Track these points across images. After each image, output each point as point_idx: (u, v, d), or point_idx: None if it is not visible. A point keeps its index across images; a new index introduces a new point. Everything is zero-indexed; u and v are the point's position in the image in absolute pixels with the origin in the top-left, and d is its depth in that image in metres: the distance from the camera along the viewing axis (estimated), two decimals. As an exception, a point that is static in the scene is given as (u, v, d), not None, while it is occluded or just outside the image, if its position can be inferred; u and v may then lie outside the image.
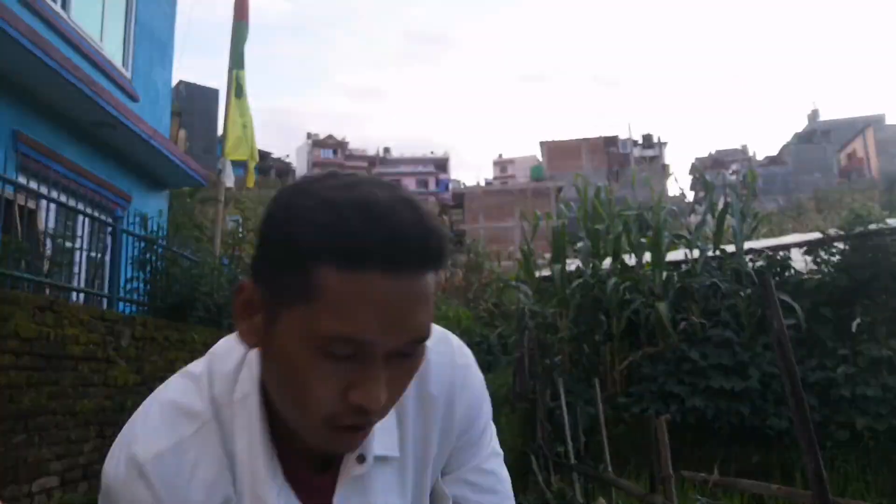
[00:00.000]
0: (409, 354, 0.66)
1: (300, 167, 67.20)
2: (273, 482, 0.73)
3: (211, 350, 0.82)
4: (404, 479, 0.80)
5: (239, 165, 8.81)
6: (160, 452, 0.72)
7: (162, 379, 0.83)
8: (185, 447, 0.73)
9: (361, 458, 0.75)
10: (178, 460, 0.72)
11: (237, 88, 8.33)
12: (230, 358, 0.79)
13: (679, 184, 61.14)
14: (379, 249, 0.60)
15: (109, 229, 6.02)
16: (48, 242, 5.20)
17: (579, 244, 9.08)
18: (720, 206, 8.55)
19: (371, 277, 0.60)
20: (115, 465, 0.75)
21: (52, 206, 5.31)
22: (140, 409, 0.79)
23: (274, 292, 0.65)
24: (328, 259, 0.60)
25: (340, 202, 0.61)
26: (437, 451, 0.83)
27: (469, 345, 0.93)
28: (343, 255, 0.60)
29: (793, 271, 7.30)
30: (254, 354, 0.75)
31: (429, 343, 0.70)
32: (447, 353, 0.84)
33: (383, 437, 0.77)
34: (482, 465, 0.89)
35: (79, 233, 5.68)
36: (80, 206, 5.73)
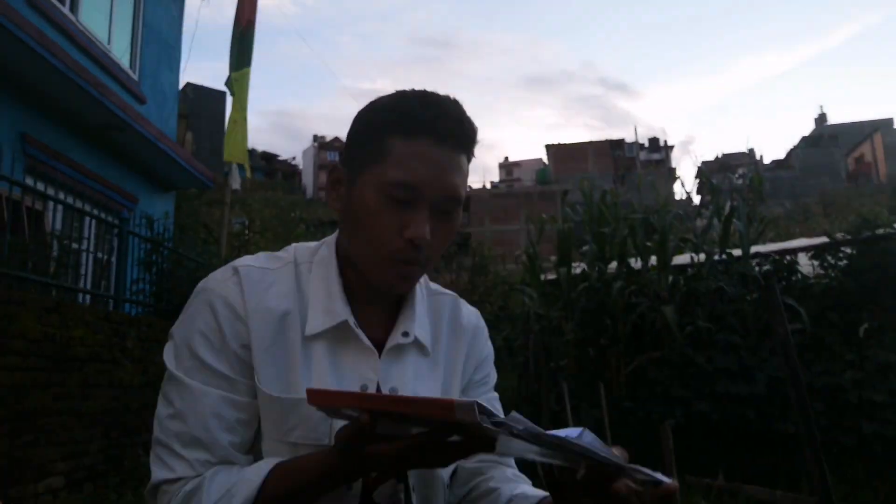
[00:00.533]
0: (447, 213, 0.91)
1: (306, 169, 67.33)
2: (344, 304, 0.94)
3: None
4: (435, 374, 1.00)
5: (244, 168, 8.81)
6: (251, 265, 0.95)
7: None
8: (268, 271, 0.95)
9: (406, 334, 0.97)
10: (262, 275, 0.94)
11: (232, 86, 8.28)
12: (310, 244, 1.03)
13: (685, 187, 61.04)
14: (430, 124, 0.88)
15: (116, 231, 6.04)
16: (55, 244, 5.22)
17: (585, 247, 9.05)
18: (726, 209, 8.50)
19: (423, 143, 0.87)
20: (213, 273, 0.97)
21: (59, 207, 5.34)
22: None
23: (355, 163, 0.92)
24: (394, 130, 0.88)
25: (406, 93, 0.91)
26: (461, 369, 1.04)
27: None
28: (405, 127, 0.88)
29: (800, 276, 7.25)
30: (329, 239, 1.01)
31: (463, 305, 1.10)
32: (475, 312, 1.12)
33: (423, 331, 1.00)
34: (490, 397, 1.09)
35: (85, 234, 5.71)
36: (87, 208, 5.75)
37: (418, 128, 0.87)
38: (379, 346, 0.95)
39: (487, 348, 1.10)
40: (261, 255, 0.99)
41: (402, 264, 0.90)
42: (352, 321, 0.93)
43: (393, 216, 0.88)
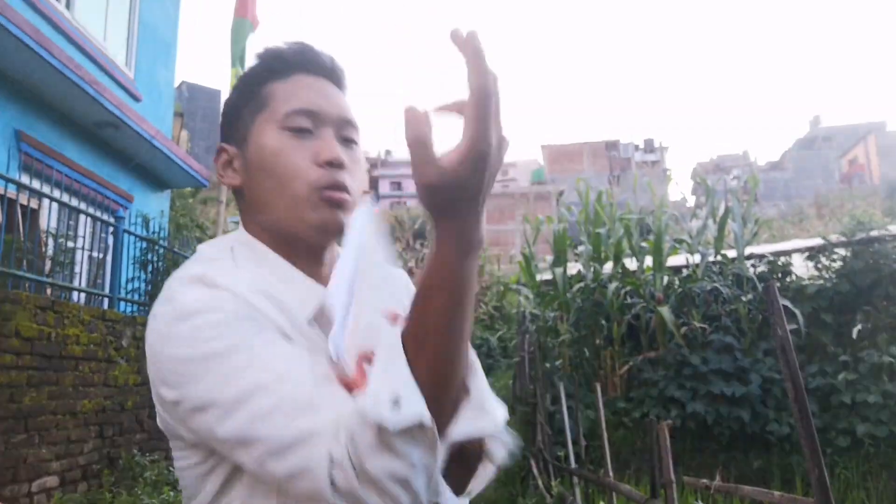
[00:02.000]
0: (349, 140, 0.87)
1: (301, 168, 67.17)
2: (303, 278, 0.84)
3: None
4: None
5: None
6: (203, 269, 0.78)
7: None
8: (220, 261, 0.82)
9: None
10: (221, 265, 0.80)
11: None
12: (216, 245, 0.88)
13: (680, 188, 61.09)
14: (299, 60, 0.88)
15: (111, 229, 6.02)
16: (50, 242, 5.20)
17: (580, 248, 9.07)
18: (721, 211, 8.54)
19: (300, 76, 0.87)
20: (166, 301, 0.77)
21: (54, 205, 5.31)
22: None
23: (241, 127, 0.88)
24: (269, 77, 0.87)
25: (269, 46, 0.90)
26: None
27: None
28: (277, 70, 0.87)
29: (794, 277, 7.29)
30: (235, 238, 0.88)
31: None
32: (401, 270, 1.03)
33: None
34: None
35: (80, 232, 5.69)
36: (82, 206, 5.73)
37: (290, 66, 0.87)
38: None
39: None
40: (187, 267, 0.83)
41: (328, 192, 0.82)
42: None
43: (300, 149, 0.83)
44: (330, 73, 0.90)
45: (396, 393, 0.62)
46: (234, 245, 0.86)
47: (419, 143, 0.61)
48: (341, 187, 0.83)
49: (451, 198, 0.62)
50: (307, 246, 0.85)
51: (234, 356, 0.70)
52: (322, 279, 0.85)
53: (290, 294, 0.80)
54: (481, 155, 0.61)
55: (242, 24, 8.39)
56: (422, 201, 0.63)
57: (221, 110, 0.93)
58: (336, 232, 0.84)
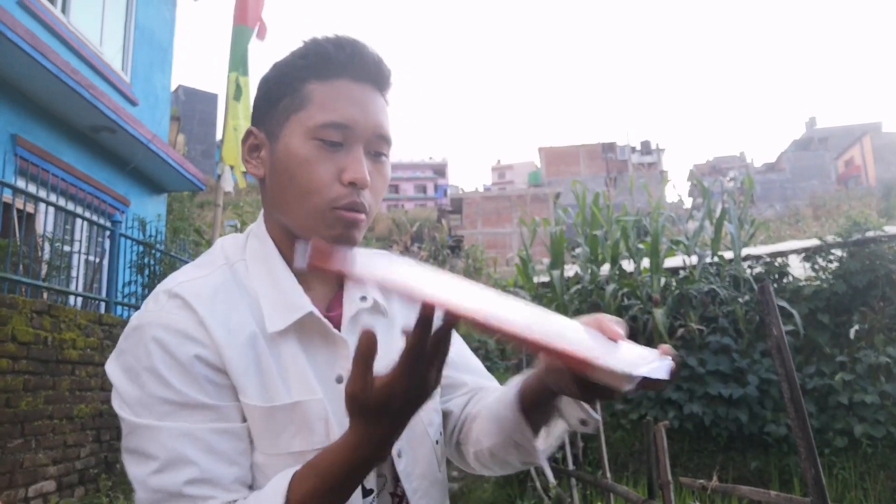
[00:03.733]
0: (379, 154, 0.88)
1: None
2: (301, 294, 0.86)
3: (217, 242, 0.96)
4: (392, 334, 0.94)
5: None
6: (184, 281, 0.84)
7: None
8: (203, 279, 0.85)
9: (364, 298, 0.92)
10: (201, 286, 0.84)
11: (236, 91, 8.28)
12: (235, 238, 0.93)
13: (677, 190, 61.24)
14: (346, 64, 0.85)
15: (108, 233, 6.02)
16: (46, 246, 5.20)
17: (577, 250, 9.07)
18: (718, 212, 8.56)
19: (343, 83, 0.85)
20: (144, 306, 0.84)
21: (51, 209, 5.31)
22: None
23: (274, 119, 0.87)
24: (311, 75, 0.85)
25: (318, 39, 0.87)
26: None
27: None
28: (321, 70, 0.85)
29: (791, 278, 7.30)
30: (254, 229, 0.92)
31: None
32: None
33: (378, 295, 0.95)
34: (459, 347, 1.06)
35: (77, 237, 5.68)
36: (79, 210, 5.72)
37: (335, 69, 0.85)
38: (333, 311, 0.91)
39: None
40: (185, 267, 0.90)
41: (344, 212, 0.83)
42: (315, 311, 0.85)
43: (327, 162, 0.83)
44: (375, 78, 0.88)
45: None
46: (250, 237, 0.92)
47: (362, 361, 0.67)
48: (359, 208, 0.84)
49: (365, 408, 0.68)
50: None
51: (144, 432, 0.78)
52: (326, 283, 0.92)
53: (272, 300, 0.85)
54: (393, 394, 0.67)
55: (242, 31, 8.39)
56: (346, 405, 0.70)
57: (258, 90, 0.91)
58: (346, 248, 0.87)
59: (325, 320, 0.86)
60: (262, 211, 0.94)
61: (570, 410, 0.86)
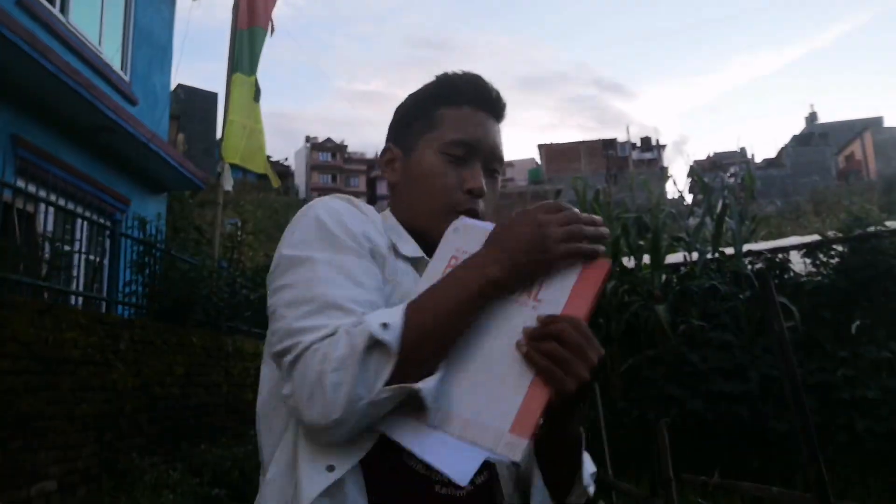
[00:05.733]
0: (493, 172, 1.07)
1: (299, 170, 67.14)
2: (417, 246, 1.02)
3: None
4: None
5: (238, 169, 8.80)
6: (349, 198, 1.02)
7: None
8: (359, 202, 1.02)
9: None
10: (358, 204, 1.01)
11: (256, 93, 8.30)
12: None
13: (677, 186, 61.06)
14: (472, 93, 1.06)
15: (108, 233, 6.02)
16: (46, 246, 5.19)
17: (578, 247, 9.06)
18: (718, 208, 8.54)
19: (468, 109, 1.05)
20: (316, 206, 0.98)
21: (51, 209, 5.31)
22: None
23: (409, 137, 1.07)
24: (442, 102, 1.06)
25: (448, 73, 1.09)
26: None
27: None
28: (451, 98, 1.06)
29: (792, 273, 7.29)
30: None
31: None
32: None
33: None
34: None
35: (77, 236, 5.67)
36: (79, 210, 5.72)
37: (462, 97, 1.05)
38: None
39: None
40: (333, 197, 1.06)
41: (463, 213, 0.99)
42: (426, 258, 0.98)
43: (452, 173, 1.02)
44: (494, 108, 1.07)
45: (387, 321, 0.80)
46: (385, 213, 1.09)
47: (556, 206, 0.90)
48: (474, 212, 1.01)
49: (520, 234, 0.87)
50: (432, 242, 0.99)
51: (310, 260, 0.90)
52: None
53: (403, 239, 1.02)
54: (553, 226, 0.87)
55: (255, 32, 8.37)
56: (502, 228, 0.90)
57: (394, 115, 1.12)
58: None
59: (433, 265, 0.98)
60: (391, 201, 1.11)
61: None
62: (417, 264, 1.00)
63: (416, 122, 1.06)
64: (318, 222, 0.93)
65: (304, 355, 0.80)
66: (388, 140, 1.12)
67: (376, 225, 0.99)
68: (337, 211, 0.95)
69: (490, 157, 1.05)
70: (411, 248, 1.01)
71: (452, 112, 1.04)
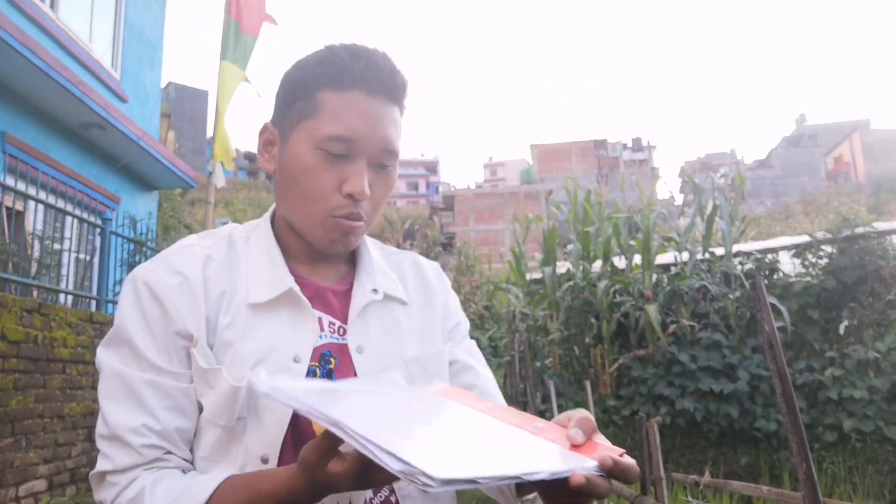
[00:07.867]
0: (385, 166, 0.90)
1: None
2: (286, 273, 0.90)
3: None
4: (410, 323, 0.97)
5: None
6: (182, 245, 0.93)
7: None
8: (200, 247, 0.92)
9: (375, 290, 0.95)
10: (192, 253, 0.91)
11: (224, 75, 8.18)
12: (253, 221, 1.00)
13: (668, 187, 61.36)
14: (360, 76, 0.87)
15: (98, 231, 5.98)
16: (36, 244, 5.16)
17: (569, 247, 9.10)
18: (709, 209, 8.60)
19: (355, 95, 0.87)
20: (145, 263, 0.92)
21: (40, 207, 5.27)
22: None
23: (287, 120, 0.90)
24: (325, 84, 0.87)
25: (335, 47, 0.89)
26: (441, 324, 1.01)
27: None
28: (335, 80, 0.87)
29: (781, 274, 7.35)
30: (268, 212, 0.99)
31: (422, 260, 1.07)
32: (435, 264, 1.09)
33: (389, 282, 0.98)
34: (467, 344, 1.07)
35: (67, 234, 5.64)
36: (69, 208, 5.69)
37: (349, 80, 0.86)
38: (344, 298, 0.94)
39: (454, 296, 1.08)
40: (192, 236, 0.96)
41: (342, 220, 0.88)
42: (296, 289, 0.89)
43: (329, 172, 0.87)
44: (389, 89, 0.89)
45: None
46: (261, 222, 0.98)
47: (328, 441, 0.67)
48: (356, 217, 0.89)
49: (312, 476, 0.70)
50: (316, 249, 0.93)
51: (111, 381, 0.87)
52: (329, 269, 0.97)
53: (257, 277, 0.90)
54: (341, 481, 0.68)
55: (248, 40, 8.31)
56: (297, 461, 0.71)
57: (279, 86, 0.93)
58: (342, 251, 0.93)
59: (304, 298, 0.89)
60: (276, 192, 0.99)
61: None
62: (280, 304, 0.88)
63: (297, 103, 0.89)
64: (130, 309, 0.87)
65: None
66: (272, 115, 0.95)
67: (218, 275, 0.89)
68: (152, 292, 0.86)
69: (378, 151, 0.88)
70: (265, 290, 0.88)
71: (334, 98, 0.86)
